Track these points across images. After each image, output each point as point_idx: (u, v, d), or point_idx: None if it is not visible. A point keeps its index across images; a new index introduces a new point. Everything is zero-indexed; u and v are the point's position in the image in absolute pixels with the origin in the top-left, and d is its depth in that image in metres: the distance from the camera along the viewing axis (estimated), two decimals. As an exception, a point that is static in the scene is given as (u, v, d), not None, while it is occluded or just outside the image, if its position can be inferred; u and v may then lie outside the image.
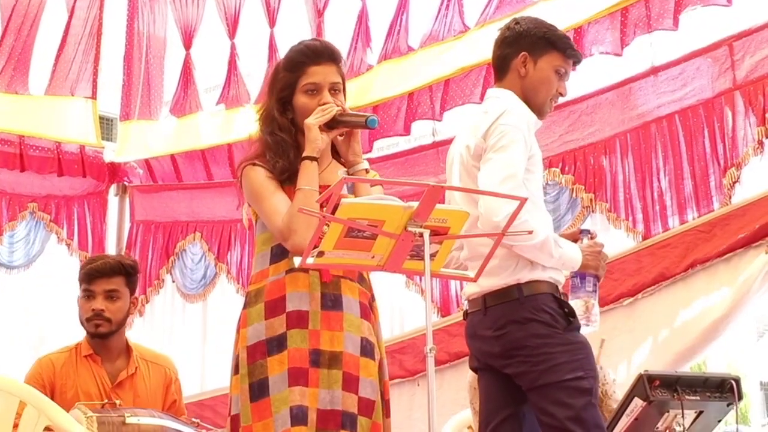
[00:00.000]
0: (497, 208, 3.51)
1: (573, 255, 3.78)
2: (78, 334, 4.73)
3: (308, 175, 3.44)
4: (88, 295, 4.58)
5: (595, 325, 3.88)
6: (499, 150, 3.70)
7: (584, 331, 3.81)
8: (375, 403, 3.48)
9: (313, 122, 3.47)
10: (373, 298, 3.61)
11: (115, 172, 8.34)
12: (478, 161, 3.76)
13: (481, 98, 6.77)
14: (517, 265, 3.72)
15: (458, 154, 3.89)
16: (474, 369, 4.00)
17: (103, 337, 4.58)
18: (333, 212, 2.93)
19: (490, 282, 3.74)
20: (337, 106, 3.51)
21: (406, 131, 7.54)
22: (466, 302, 3.96)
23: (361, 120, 3.53)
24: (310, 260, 2.98)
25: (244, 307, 3.52)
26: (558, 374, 3.65)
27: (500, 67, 3.97)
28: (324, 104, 3.51)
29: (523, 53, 3.91)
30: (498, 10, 7.12)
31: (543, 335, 3.68)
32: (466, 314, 3.94)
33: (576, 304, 3.81)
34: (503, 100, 3.87)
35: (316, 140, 3.47)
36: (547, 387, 3.66)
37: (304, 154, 3.47)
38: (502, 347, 3.74)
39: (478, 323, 3.83)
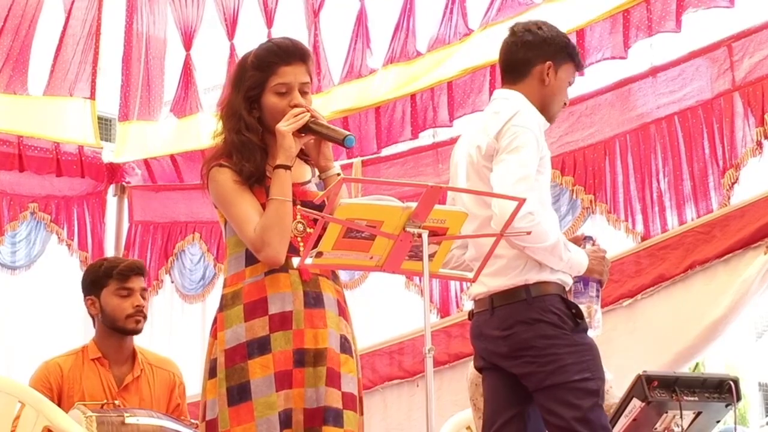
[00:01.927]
0: (512, 209, 3.52)
1: (580, 259, 3.79)
2: (79, 333, 4.76)
3: (281, 185, 3.37)
4: (126, 293, 4.63)
5: (597, 330, 3.91)
6: (512, 151, 3.70)
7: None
8: (356, 399, 3.47)
9: (286, 129, 3.40)
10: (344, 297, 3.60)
11: (113, 173, 8.33)
12: (490, 162, 3.76)
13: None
14: (525, 266, 3.74)
15: (466, 154, 3.88)
16: (479, 369, 4.00)
17: (137, 333, 4.67)
18: (331, 213, 2.93)
19: (498, 282, 3.76)
20: (308, 110, 3.44)
21: (414, 136, 7.55)
22: (471, 302, 3.97)
23: (338, 136, 3.43)
24: (308, 261, 2.98)
25: (220, 310, 3.48)
26: (565, 375, 3.67)
27: (518, 69, 3.95)
28: (295, 106, 3.45)
29: (549, 62, 3.92)
30: (500, 13, 7.11)
31: (550, 336, 3.70)
32: (471, 314, 3.95)
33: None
34: (513, 101, 3.87)
35: (291, 148, 3.40)
36: (554, 388, 3.68)
37: (277, 162, 3.40)
38: (509, 347, 3.75)
39: (484, 323, 3.84)
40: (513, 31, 4.00)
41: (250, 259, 3.43)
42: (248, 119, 3.50)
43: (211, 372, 3.43)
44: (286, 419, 3.34)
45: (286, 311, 3.39)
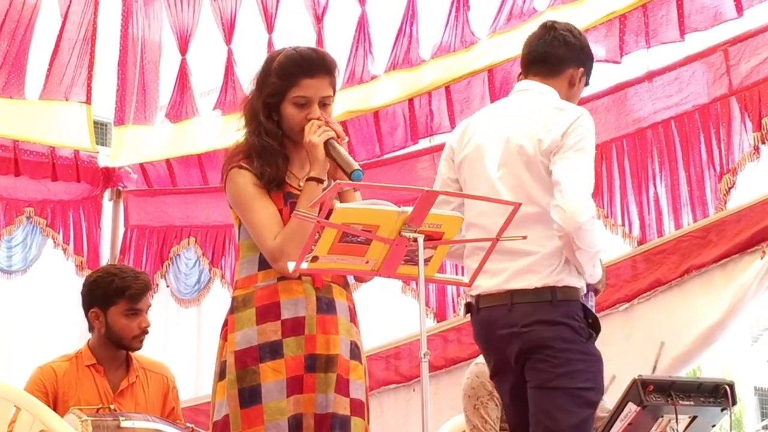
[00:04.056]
0: (583, 210, 3.60)
1: (599, 269, 3.84)
2: (77, 338, 4.76)
3: (309, 199, 3.32)
4: (134, 314, 4.64)
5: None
6: (579, 151, 3.72)
7: None
8: (365, 405, 3.47)
9: (318, 140, 3.36)
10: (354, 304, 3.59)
11: (109, 177, 8.32)
12: (548, 157, 3.74)
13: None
14: (558, 266, 3.73)
15: (513, 143, 3.80)
16: (491, 376, 4.02)
17: (139, 350, 4.73)
18: (327, 217, 2.93)
19: (526, 280, 3.73)
20: (328, 125, 3.40)
21: (414, 141, 7.55)
22: (472, 299, 3.89)
23: (346, 168, 3.36)
24: (304, 265, 2.97)
25: (231, 312, 3.46)
26: (572, 380, 3.69)
27: (552, 63, 3.96)
28: (312, 119, 3.40)
29: (582, 68, 3.98)
30: (508, 23, 7.11)
31: (569, 340, 3.71)
32: (469, 308, 3.92)
33: None
34: (550, 97, 3.89)
35: (325, 161, 3.38)
36: (558, 390, 3.69)
37: (311, 175, 3.37)
38: (524, 344, 3.73)
39: (499, 319, 3.78)
40: (551, 27, 4.01)
41: (263, 263, 3.42)
42: (266, 124, 3.47)
43: (221, 374, 3.44)
44: (296, 424, 3.34)
45: (299, 316, 3.39)
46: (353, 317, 3.52)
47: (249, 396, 3.35)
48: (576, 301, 3.75)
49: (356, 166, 3.34)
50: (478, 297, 3.86)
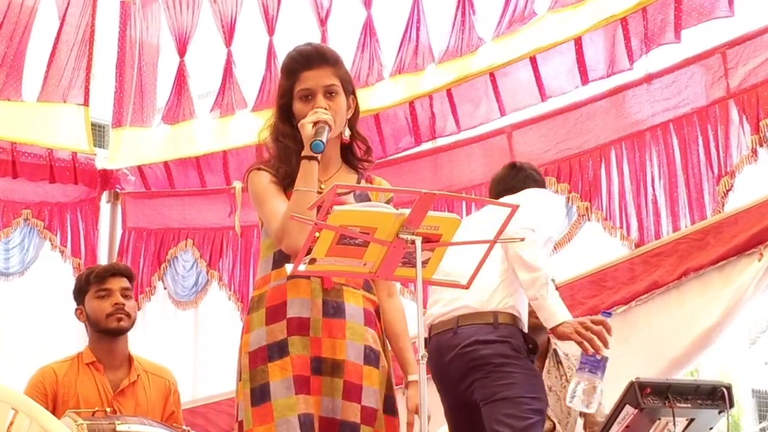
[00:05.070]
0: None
1: (554, 312, 3.89)
2: (74, 340, 4.78)
3: (306, 176, 3.36)
4: (104, 294, 4.67)
5: (592, 407, 3.91)
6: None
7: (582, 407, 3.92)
8: (378, 412, 3.48)
9: (307, 121, 3.40)
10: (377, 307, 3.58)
11: (107, 179, 8.32)
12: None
13: (502, 112, 7.08)
14: (503, 298, 4.00)
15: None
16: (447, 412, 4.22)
17: (122, 333, 4.68)
18: (325, 219, 2.93)
19: (471, 307, 4.01)
20: (326, 113, 3.41)
21: (417, 143, 7.56)
22: (430, 325, 4.13)
23: (312, 139, 3.37)
24: (302, 267, 2.97)
25: (248, 312, 3.53)
26: (516, 390, 3.91)
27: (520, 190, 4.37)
28: (317, 108, 3.45)
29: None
30: (510, 27, 7.11)
31: (507, 356, 3.94)
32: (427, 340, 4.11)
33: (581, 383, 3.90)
34: None
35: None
36: (504, 401, 3.91)
37: (302, 154, 3.39)
38: (466, 363, 3.98)
39: (444, 344, 4.04)
40: (519, 168, 4.55)
41: (277, 263, 3.47)
42: (282, 127, 3.55)
43: (239, 374, 3.49)
44: (309, 423, 3.35)
45: (303, 317, 3.41)
46: (370, 321, 3.50)
47: (259, 394, 3.38)
48: (515, 326, 3.99)
49: (320, 139, 3.33)
50: (430, 327, 4.10)
